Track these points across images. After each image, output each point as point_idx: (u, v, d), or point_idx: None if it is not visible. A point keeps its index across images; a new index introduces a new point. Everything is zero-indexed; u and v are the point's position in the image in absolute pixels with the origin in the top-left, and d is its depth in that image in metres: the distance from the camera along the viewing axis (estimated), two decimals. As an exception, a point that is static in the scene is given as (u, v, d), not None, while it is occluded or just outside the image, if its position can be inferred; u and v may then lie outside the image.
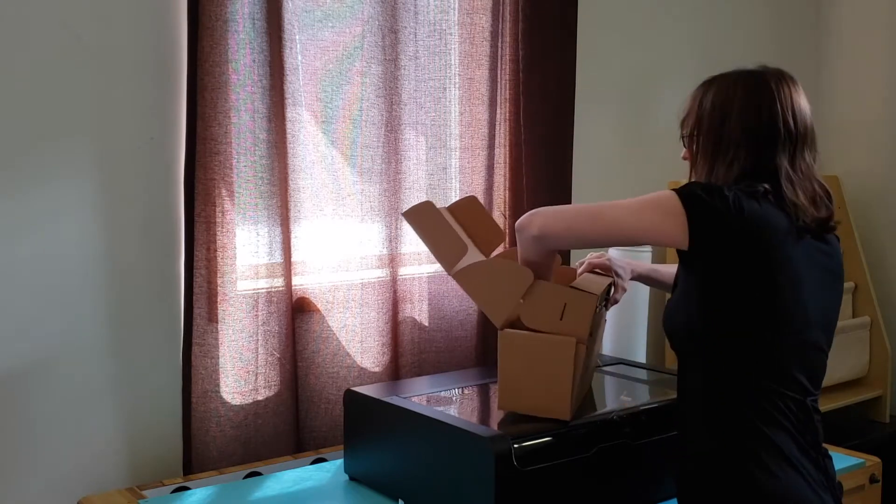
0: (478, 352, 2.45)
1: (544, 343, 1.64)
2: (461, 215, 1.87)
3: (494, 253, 1.90)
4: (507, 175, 2.50)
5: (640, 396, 1.92)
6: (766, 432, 1.44)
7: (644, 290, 2.63)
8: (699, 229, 1.41)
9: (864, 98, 3.22)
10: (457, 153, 2.42)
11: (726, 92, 1.53)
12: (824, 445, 1.52)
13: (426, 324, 2.37)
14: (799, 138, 1.50)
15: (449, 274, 1.71)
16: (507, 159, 2.50)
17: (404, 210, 1.93)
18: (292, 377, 2.17)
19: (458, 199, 2.39)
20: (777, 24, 3.23)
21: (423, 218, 1.76)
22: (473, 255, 1.76)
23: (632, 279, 1.89)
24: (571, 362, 1.61)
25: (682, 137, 1.60)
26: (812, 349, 1.49)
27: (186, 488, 1.93)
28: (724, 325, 1.46)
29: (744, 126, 1.50)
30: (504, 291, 1.66)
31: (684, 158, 1.61)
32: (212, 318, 2.05)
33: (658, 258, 2.77)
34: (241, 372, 2.10)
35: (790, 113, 1.49)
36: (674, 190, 1.44)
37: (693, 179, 1.57)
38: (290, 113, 2.12)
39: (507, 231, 2.50)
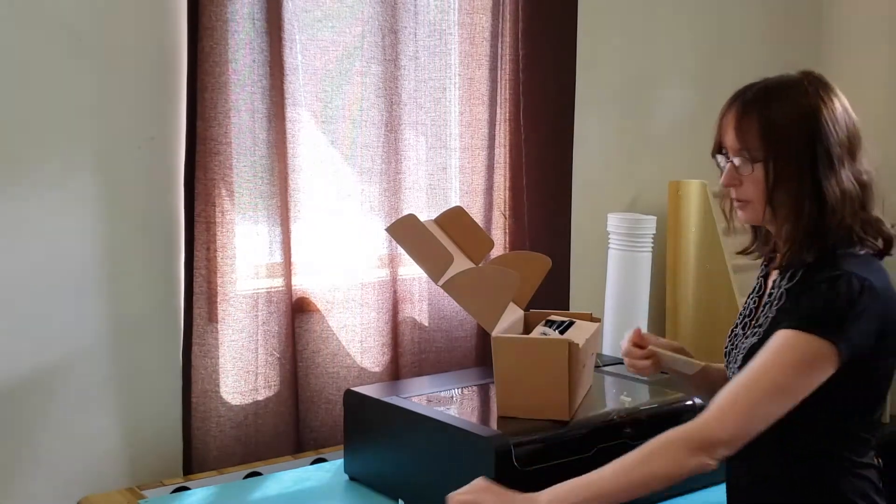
0: (478, 352, 2.45)
1: (538, 345, 1.65)
2: (448, 226, 1.87)
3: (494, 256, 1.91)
4: (507, 175, 2.50)
5: (640, 396, 1.92)
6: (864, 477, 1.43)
7: (644, 289, 2.64)
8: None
9: (865, 98, 3.20)
10: (457, 153, 2.42)
11: (797, 102, 1.41)
12: None
13: (426, 324, 2.37)
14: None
15: (437, 285, 1.71)
16: (507, 159, 2.50)
17: (388, 225, 1.92)
18: (292, 377, 2.17)
19: (457, 199, 2.41)
20: (777, 24, 3.23)
21: (407, 231, 1.77)
22: (461, 265, 1.76)
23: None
24: (566, 363, 1.61)
25: (736, 162, 1.43)
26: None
27: (186, 488, 1.93)
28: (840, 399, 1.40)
29: (835, 138, 1.40)
30: (492, 297, 1.66)
31: (730, 185, 1.46)
32: (212, 318, 2.05)
33: (658, 259, 2.78)
34: (241, 372, 2.10)
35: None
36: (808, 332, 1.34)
37: (778, 204, 1.42)
38: (290, 113, 2.12)
39: (505, 230, 2.50)
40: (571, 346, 1.62)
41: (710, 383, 1.62)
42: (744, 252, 1.61)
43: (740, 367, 1.46)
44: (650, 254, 2.65)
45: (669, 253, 2.85)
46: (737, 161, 1.44)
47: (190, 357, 2.04)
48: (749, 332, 1.51)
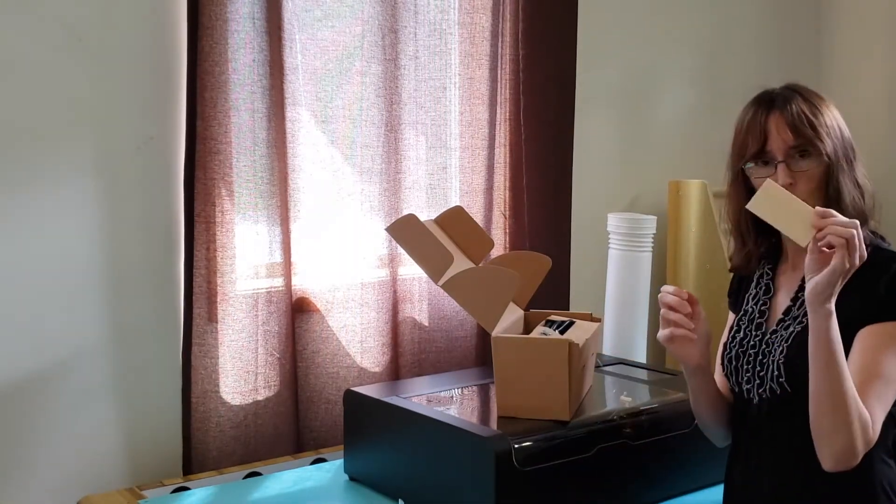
0: (478, 352, 2.45)
1: (538, 345, 1.65)
2: (448, 226, 1.87)
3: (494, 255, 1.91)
4: (507, 175, 2.50)
5: (640, 396, 1.92)
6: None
7: (644, 289, 2.63)
8: None
9: (865, 98, 3.22)
10: (457, 153, 2.42)
11: (826, 106, 1.52)
12: None
13: (426, 324, 2.37)
14: None
15: (437, 285, 1.71)
16: (507, 159, 2.50)
17: (388, 225, 1.92)
18: (292, 377, 2.17)
19: (457, 199, 2.41)
20: (777, 25, 3.23)
21: (407, 231, 1.77)
22: (461, 265, 1.76)
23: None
24: (566, 363, 1.61)
25: (791, 160, 1.48)
26: None
27: (186, 488, 1.93)
28: None
29: (850, 137, 1.53)
30: (492, 297, 1.66)
31: (787, 184, 1.47)
32: (212, 318, 2.05)
33: (658, 259, 2.77)
34: (241, 372, 2.10)
35: None
36: None
37: (832, 193, 1.49)
38: (290, 112, 2.12)
39: (505, 230, 2.50)
40: (571, 346, 1.62)
41: (710, 395, 1.61)
42: (733, 269, 1.66)
43: (785, 364, 1.46)
44: (650, 254, 2.65)
45: (669, 253, 2.85)
46: (794, 158, 1.48)
47: (190, 357, 2.04)
48: (780, 328, 1.51)
